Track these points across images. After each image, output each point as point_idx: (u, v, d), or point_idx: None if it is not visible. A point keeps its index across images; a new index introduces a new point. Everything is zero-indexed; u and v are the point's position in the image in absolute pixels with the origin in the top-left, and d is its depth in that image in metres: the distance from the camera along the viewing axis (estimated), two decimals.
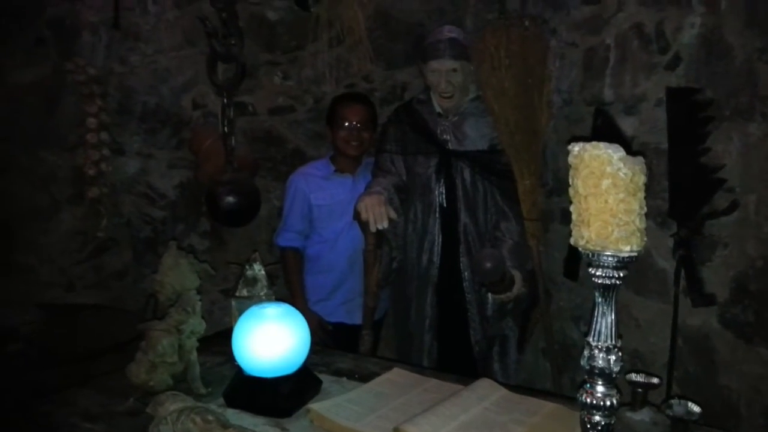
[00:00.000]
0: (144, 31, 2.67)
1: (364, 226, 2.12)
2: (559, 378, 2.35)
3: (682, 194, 1.85)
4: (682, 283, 1.86)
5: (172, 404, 1.24)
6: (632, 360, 2.08)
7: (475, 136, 2.35)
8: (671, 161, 1.87)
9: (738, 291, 1.77)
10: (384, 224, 2.07)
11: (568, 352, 2.45)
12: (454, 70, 2.29)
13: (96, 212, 2.63)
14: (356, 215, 2.13)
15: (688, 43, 1.92)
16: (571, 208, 1.00)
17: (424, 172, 2.34)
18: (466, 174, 2.32)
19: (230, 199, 2.46)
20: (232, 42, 2.44)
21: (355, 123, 2.47)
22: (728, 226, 1.78)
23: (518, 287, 2.17)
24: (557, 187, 2.49)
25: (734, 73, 1.77)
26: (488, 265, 2.02)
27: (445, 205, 2.34)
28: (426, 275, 2.34)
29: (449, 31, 2.35)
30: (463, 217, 2.32)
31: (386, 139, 2.42)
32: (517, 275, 2.19)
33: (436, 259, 2.33)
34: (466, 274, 2.32)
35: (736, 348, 1.77)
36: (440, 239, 2.33)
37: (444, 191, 2.34)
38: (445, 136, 2.36)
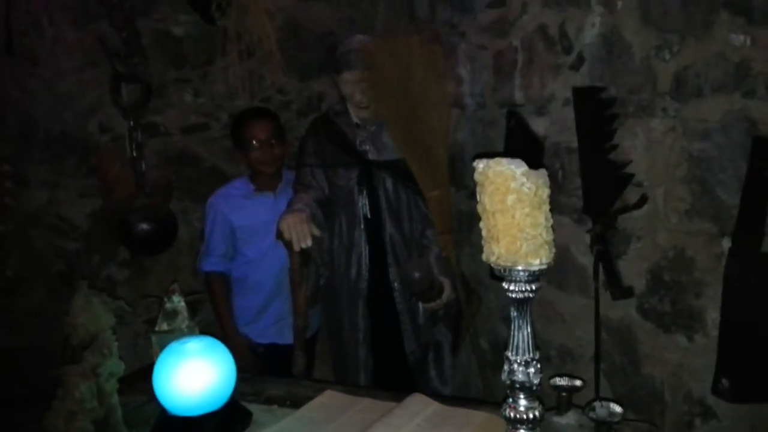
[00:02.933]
0: (41, 54, 2.54)
1: (288, 245, 2.08)
2: (491, 379, 2.38)
3: (594, 191, 1.90)
4: (602, 277, 1.91)
5: None
6: (561, 356, 2.13)
7: (394, 145, 2.34)
8: (582, 159, 1.92)
9: (653, 282, 1.83)
10: (308, 243, 2.04)
11: (500, 351, 2.49)
12: (367, 80, 2.27)
13: (2, 249, 2.48)
14: (279, 234, 2.09)
15: (590, 43, 1.97)
16: (481, 225, 1.00)
17: (345, 185, 2.32)
18: (388, 184, 2.31)
19: (144, 226, 2.38)
20: (135, 61, 2.35)
21: (264, 139, 2.39)
22: (640, 219, 1.85)
23: (447, 294, 2.18)
24: None
25: (634, 71, 1.83)
26: (416, 275, 2.02)
27: (369, 216, 2.32)
28: (355, 288, 2.32)
29: (359, 41, 2.33)
30: (389, 228, 2.31)
31: (305, 152, 2.38)
32: (446, 282, 2.20)
33: (365, 271, 2.31)
34: (395, 284, 2.31)
35: (656, 337, 1.83)
36: (367, 251, 2.32)
37: (367, 202, 2.31)
38: (364, 147, 2.34)
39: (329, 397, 1.54)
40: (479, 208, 1.00)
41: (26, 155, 2.54)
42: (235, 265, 2.48)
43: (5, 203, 2.46)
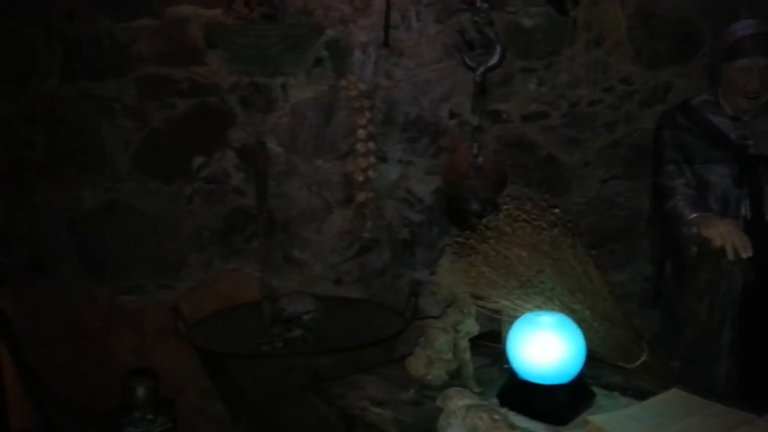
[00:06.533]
0: (407, 46, 2.85)
1: (709, 253, 1.99)
2: None
3: None
4: None
5: (460, 400, 1.33)
6: None
7: None
8: None
9: None
10: (749, 252, 1.93)
11: None
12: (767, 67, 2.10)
13: (362, 215, 2.88)
14: (700, 240, 2.02)
15: None
16: None
17: (720, 182, 2.17)
18: None
19: (464, 205, 2.52)
20: (480, 52, 2.52)
21: None
22: None
23: None
24: None
25: None
26: None
27: (749, 218, 2.15)
28: (726, 294, 2.18)
29: (756, 26, 2.14)
30: None
31: (664, 145, 2.28)
32: None
33: (740, 277, 2.15)
34: None
35: None
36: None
37: (748, 202, 2.15)
38: (744, 141, 2.17)
39: (676, 395, 1.49)
40: None
41: (387, 135, 2.88)
42: None
43: (369, 176, 2.84)
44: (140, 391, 1.93)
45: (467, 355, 1.62)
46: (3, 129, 2.76)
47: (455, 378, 1.63)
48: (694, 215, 2.08)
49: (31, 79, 2.76)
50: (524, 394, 1.46)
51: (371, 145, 2.84)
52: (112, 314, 2.80)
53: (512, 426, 1.25)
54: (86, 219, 2.81)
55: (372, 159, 2.84)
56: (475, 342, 1.69)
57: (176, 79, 2.77)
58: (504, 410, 1.42)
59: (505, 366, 1.56)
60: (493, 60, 2.46)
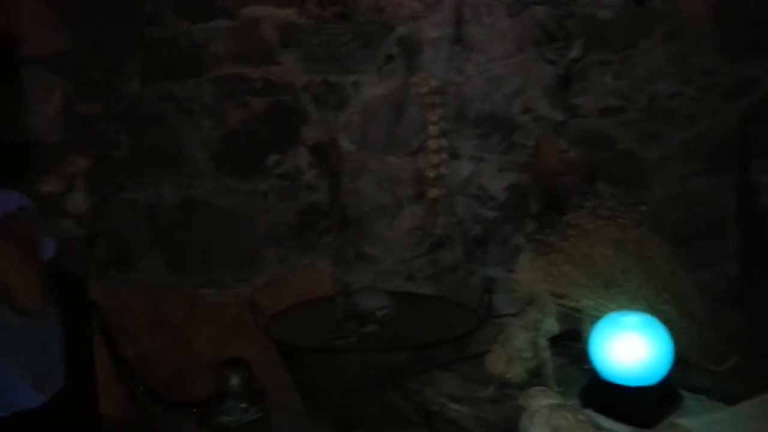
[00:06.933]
0: (478, 41, 2.83)
1: None
2: None
3: None
4: None
5: (543, 399, 1.32)
6: None
7: None
8: None
9: None
10: None
11: None
12: None
13: (434, 211, 2.88)
14: None
15: None
16: None
17: None
18: None
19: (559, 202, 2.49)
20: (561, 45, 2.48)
21: None
22: None
23: None
24: None
25: None
26: None
27: None
28: None
29: None
30: None
31: (753, 140, 2.20)
32: None
33: None
34: None
35: None
36: None
37: None
38: None
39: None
40: None
41: (459, 132, 2.87)
42: None
43: (440, 172, 2.83)
44: (234, 380, 1.99)
45: (547, 354, 1.61)
46: (91, 129, 2.89)
47: (534, 377, 1.61)
48: None
49: (115, 81, 2.88)
50: (608, 396, 1.43)
51: (443, 141, 2.83)
52: (193, 307, 2.91)
53: (598, 427, 1.24)
54: (167, 215, 2.92)
55: (444, 155, 2.83)
56: (554, 341, 1.67)
57: (251, 78, 2.84)
58: (588, 411, 1.39)
59: (586, 366, 1.54)
60: (575, 52, 2.41)
